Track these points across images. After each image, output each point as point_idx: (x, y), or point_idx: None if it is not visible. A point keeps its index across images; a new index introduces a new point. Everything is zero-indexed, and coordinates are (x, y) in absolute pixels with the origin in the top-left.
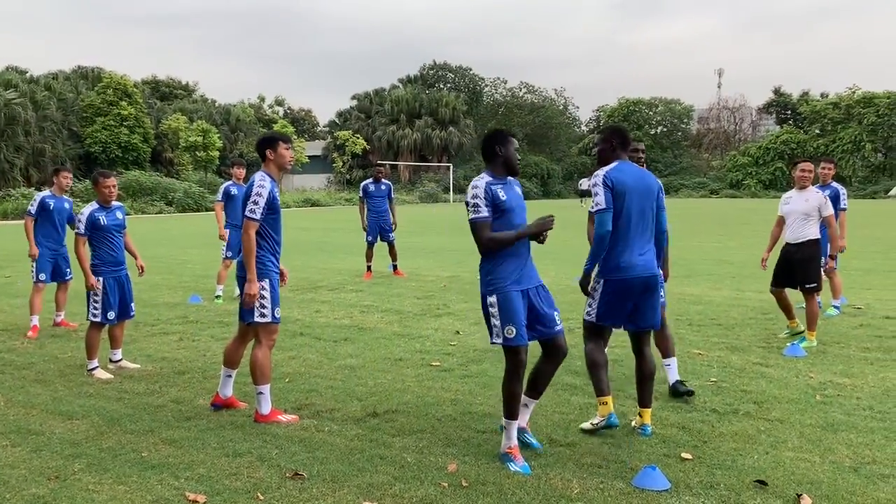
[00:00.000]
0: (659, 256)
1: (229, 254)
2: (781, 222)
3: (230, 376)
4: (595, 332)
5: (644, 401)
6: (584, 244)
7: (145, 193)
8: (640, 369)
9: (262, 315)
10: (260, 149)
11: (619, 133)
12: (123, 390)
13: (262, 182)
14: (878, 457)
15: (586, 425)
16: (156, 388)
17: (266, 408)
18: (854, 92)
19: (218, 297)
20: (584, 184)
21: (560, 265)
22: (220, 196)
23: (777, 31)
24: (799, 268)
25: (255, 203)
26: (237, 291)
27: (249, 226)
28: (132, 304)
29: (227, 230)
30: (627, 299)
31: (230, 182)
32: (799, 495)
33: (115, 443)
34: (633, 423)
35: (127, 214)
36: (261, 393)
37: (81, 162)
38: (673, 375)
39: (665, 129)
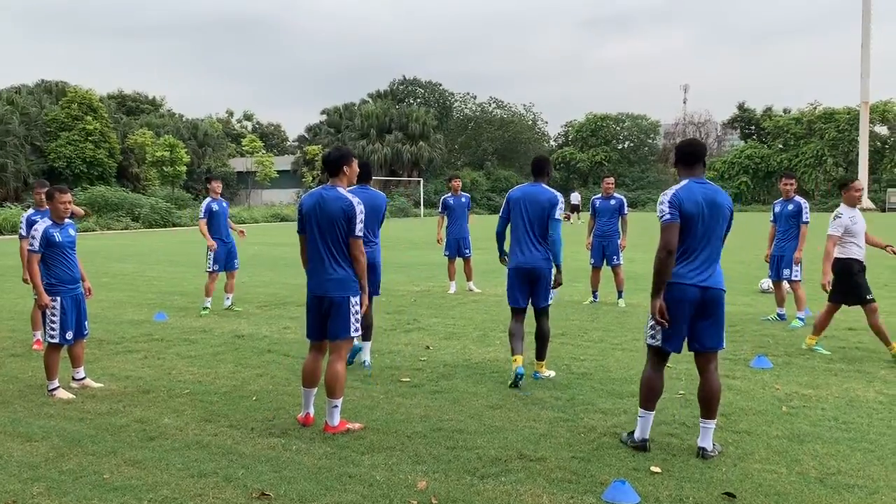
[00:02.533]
0: (554, 254)
1: (216, 267)
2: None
3: (315, 394)
4: (514, 312)
5: (540, 356)
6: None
7: (111, 209)
8: (537, 332)
9: (356, 329)
10: (337, 163)
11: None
12: (85, 410)
13: (359, 202)
14: (843, 467)
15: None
16: (119, 407)
17: (338, 419)
18: (815, 108)
19: (205, 308)
20: (576, 198)
21: None
22: (202, 214)
23: (740, 48)
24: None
25: (361, 222)
26: (227, 302)
27: (361, 244)
28: (86, 323)
29: (215, 242)
30: (523, 284)
31: (210, 199)
32: None
33: (76, 465)
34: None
35: (92, 230)
36: (336, 406)
37: (45, 177)
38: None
39: (632, 144)
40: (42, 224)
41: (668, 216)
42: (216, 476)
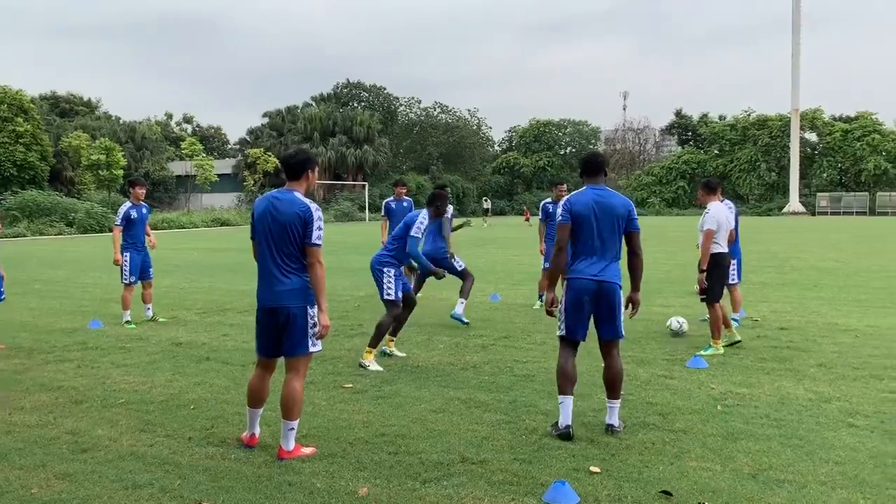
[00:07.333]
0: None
1: (133, 278)
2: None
3: (260, 414)
4: (394, 305)
5: (394, 332)
6: (495, 262)
7: (43, 214)
8: (406, 312)
9: (314, 344)
10: (301, 166)
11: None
12: (12, 423)
13: (318, 208)
14: (774, 463)
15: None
16: (49, 419)
17: (293, 443)
18: (749, 114)
19: (128, 322)
20: (487, 203)
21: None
22: (119, 220)
23: (678, 57)
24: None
25: (320, 229)
26: (148, 314)
27: (320, 253)
28: None
29: (128, 253)
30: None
31: (129, 204)
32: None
33: (2, 479)
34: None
35: (23, 236)
36: (292, 429)
37: None
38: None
39: (574, 150)
40: None
41: (560, 218)
42: (151, 487)
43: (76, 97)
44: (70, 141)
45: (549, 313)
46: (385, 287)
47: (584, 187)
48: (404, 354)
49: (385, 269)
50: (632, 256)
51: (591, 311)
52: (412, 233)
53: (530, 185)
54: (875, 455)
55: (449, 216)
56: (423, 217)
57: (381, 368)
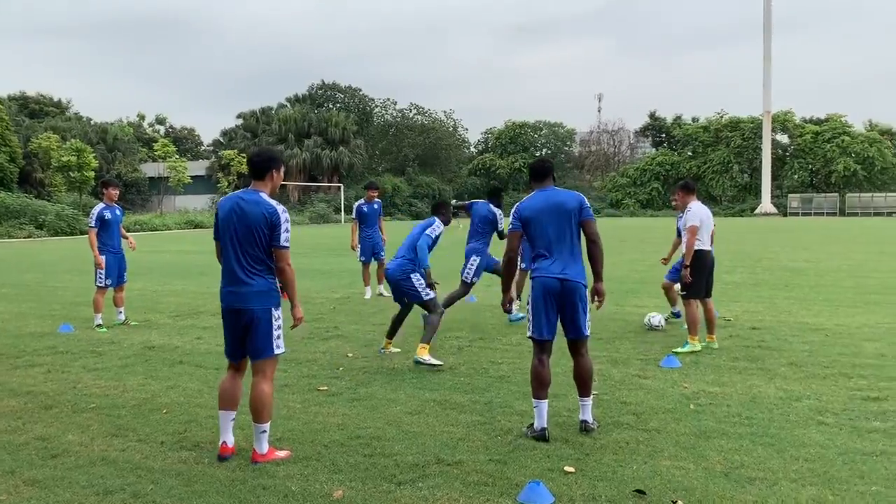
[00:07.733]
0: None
1: (108, 282)
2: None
3: (234, 419)
4: (436, 304)
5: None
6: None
7: (12, 216)
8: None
9: (278, 346)
10: (265, 165)
11: (445, 205)
12: None
13: (284, 209)
14: (745, 461)
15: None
16: (18, 424)
17: (266, 446)
18: (722, 116)
19: (99, 325)
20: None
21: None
22: (93, 222)
23: (652, 58)
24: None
25: (288, 231)
26: (120, 317)
27: (288, 255)
28: None
29: (103, 257)
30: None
31: (103, 205)
32: (674, 502)
33: None
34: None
35: None
36: (264, 431)
37: None
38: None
39: (549, 151)
40: None
41: (510, 226)
42: (123, 493)
43: (46, 98)
44: (40, 142)
45: (507, 311)
46: (420, 292)
47: (533, 192)
48: (399, 350)
49: (412, 276)
50: (590, 245)
51: (556, 309)
52: (427, 231)
53: (506, 186)
54: (844, 452)
55: (498, 216)
56: (437, 223)
57: (439, 363)
